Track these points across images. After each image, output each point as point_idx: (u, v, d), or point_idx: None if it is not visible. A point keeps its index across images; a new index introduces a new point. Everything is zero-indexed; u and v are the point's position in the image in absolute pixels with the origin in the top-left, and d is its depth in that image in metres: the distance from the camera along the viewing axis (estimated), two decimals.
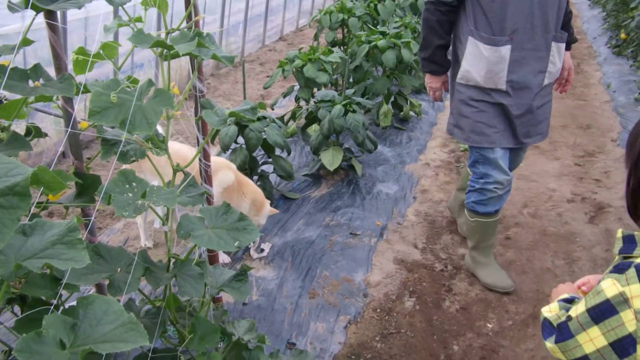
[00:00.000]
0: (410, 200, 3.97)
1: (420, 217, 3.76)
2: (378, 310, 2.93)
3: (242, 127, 3.58)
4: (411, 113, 5.38)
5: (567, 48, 2.93)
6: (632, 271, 1.17)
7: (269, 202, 3.33)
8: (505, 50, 2.69)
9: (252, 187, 3.27)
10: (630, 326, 1.15)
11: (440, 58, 2.94)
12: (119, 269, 1.70)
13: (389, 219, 3.71)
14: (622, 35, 7.81)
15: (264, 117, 3.68)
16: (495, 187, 2.92)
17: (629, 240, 1.23)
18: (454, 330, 2.77)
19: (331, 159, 3.96)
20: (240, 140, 3.61)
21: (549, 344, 1.31)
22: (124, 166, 2.84)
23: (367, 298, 3.01)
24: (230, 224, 1.83)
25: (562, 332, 1.27)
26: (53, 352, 1.04)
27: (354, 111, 3.97)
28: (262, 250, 3.33)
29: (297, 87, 4.83)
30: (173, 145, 3.09)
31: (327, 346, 2.67)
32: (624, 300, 1.16)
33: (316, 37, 6.11)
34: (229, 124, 3.56)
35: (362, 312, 2.91)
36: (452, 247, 3.43)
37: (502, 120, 2.83)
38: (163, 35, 1.60)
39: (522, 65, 2.72)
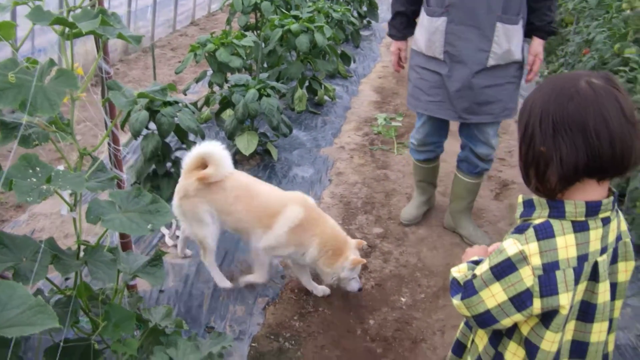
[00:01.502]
0: (326, 183, 4.03)
1: (336, 199, 3.82)
2: (296, 290, 2.97)
3: (153, 113, 3.50)
4: (326, 97, 5.44)
5: (542, 37, 2.95)
6: (530, 231, 1.25)
7: (354, 252, 2.71)
8: (441, 21, 2.85)
9: (326, 228, 2.72)
10: (528, 281, 1.23)
11: (399, 24, 3.13)
12: (24, 258, 1.64)
13: None
14: None
15: (176, 102, 3.61)
16: (415, 142, 3.32)
17: (528, 205, 1.32)
18: (369, 306, 2.85)
19: (246, 143, 3.95)
20: (152, 126, 3.53)
21: (456, 301, 1.39)
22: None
23: (284, 279, 3.04)
24: (143, 207, 1.80)
25: (468, 289, 1.35)
26: None
27: (268, 95, 3.98)
28: (177, 237, 3.28)
29: (209, 72, 4.77)
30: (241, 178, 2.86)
31: (246, 328, 2.68)
32: (523, 258, 1.24)
33: (229, 22, 6.05)
34: (140, 109, 3.48)
35: (280, 293, 2.94)
36: (367, 227, 3.52)
37: (441, 92, 2.97)
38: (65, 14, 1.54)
39: (461, 39, 2.83)
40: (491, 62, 2.86)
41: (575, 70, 1.20)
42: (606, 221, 1.27)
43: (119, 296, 2.15)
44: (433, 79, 2.99)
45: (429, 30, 2.92)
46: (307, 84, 5.30)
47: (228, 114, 4.39)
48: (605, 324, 1.34)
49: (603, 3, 3.77)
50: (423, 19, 2.98)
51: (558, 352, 1.32)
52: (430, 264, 3.18)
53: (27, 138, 1.68)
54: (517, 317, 1.29)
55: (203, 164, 2.78)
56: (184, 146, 3.78)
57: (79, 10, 1.55)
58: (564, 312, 1.24)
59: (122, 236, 2.41)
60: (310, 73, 5.41)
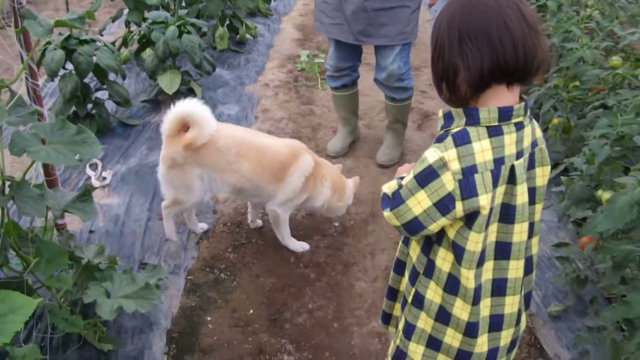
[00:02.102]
0: (252, 120, 4.03)
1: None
2: (228, 224, 3.01)
3: (69, 52, 3.37)
4: (247, 36, 5.37)
5: None
6: (449, 139, 1.32)
7: (346, 179, 2.88)
8: None
9: (329, 167, 2.82)
10: (450, 186, 1.31)
11: None
12: None
13: None
14: None
15: (93, 40, 3.49)
16: (329, 68, 3.44)
17: (447, 117, 1.39)
18: (302, 235, 2.93)
19: (169, 82, 3.88)
20: (70, 66, 3.41)
21: (386, 212, 1.45)
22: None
23: (216, 214, 3.07)
24: (68, 138, 1.78)
25: (395, 199, 1.42)
26: None
27: (188, 32, 3.89)
28: (104, 178, 3.23)
29: (126, 11, 4.60)
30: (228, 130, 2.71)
31: (180, 262, 2.72)
32: (443, 164, 1.31)
33: None
34: (55, 49, 3.33)
35: (213, 227, 2.98)
36: None
37: (340, 14, 3.07)
38: None
39: None
40: None
41: None
42: (519, 126, 1.35)
43: (49, 234, 2.13)
44: (333, 1, 3.10)
45: None
46: (227, 22, 5.20)
47: (148, 53, 4.27)
48: (526, 225, 1.42)
49: None
50: None
51: (483, 253, 1.41)
52: (358, 193, 3.26)
53: None
54: (443, 221, 1.36)
55: (185, 126, 2.56)
56: (105, 86, 3.68)
57: None
58: (484, 212, 1.33)
59: (48, 174, 2.36)
60: (231, 11, 5.30)
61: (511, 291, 1.46)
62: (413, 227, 1.41)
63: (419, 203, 1.36)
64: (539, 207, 1.47)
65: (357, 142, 3.78)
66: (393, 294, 1.74)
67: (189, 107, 2.53)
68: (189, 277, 2.66)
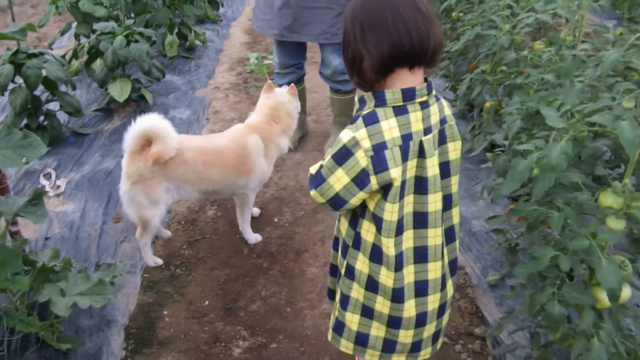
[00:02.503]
0: (204, 122, 4.14)
1: None
2: (182, 222, 3.11)
3: (18, 66, 3.43)
4: (197, 42, 5.46)
5: None
6: (359, 120, 1.46)
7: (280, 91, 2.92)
8: None
9: (262, 118, 2.85)
10: (363, 162, 1.45)
11: None
12: None
13: None
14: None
15: (41, 53, 3.55)
16: (275, 65, 3.60)
17: (361, 101, 1.53)
18: (254, 228, 3.04)
19: (120, 90, 3.96)
20: (19, 80, 3.47)
21: (312, 192, 1.60)
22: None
23: (170, 213, 3.17)
24: (15, 143, 1.87)
25: (318, 178, 1.56)
26: None
27: (136, 41, 3.98)
28: (59, 187, 3.30)
29: (74, 25, 4.66)
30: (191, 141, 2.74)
31: (136, 261, 2.81)
32: (355, 143, 1.45)
33: None
34: (3, 63, 3.40)
35: (167, 226, 3.07)
36: None
37: (269, 10, 3.23)
38: None
39: None
40: None
41: None
42: (425, 105, 1.49)
43: (1, 240, 2.20)
44: None
45: None
46: (176, 29, 5.29)
47: (98, 63, 4.34)
48: (439, 195, 1.57)
49: None
50: None
51: (402, 223, 1.55)
52: (308, 185, 3.40)
53: None
54: (361, 194, 1.50)
55: (147, 141, 2.56)
56: (55, 98, 3.74)
57: None
58: (396, 184, 1.47)
59: None
60: (179, 19, 5.39)
61: (432, 258, 1.60)
62: (336, 202, 1.54)
63: (339, 180, 1.50)
64: (454, 179, 1.61)
65: (306, 136, 3.91)
66: (334, 270, 1.87)
67: (150, 122, 2.53)
68: (145, 275, 2.75)
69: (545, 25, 2.93)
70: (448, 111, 1.59)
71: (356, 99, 1.56)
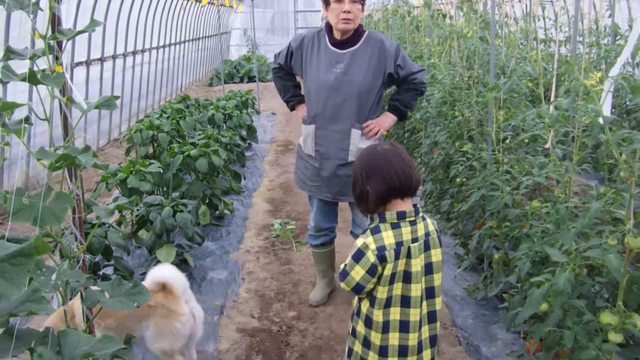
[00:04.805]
0: (240, 282, 4.58)
1: (251, 293, 4.38)
2: None
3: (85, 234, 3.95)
4: (225, 211, 6.07)
5: (396, 114, 3.76)
6: (368, 232, 2.17)
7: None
8: (311, 128, 3.70)
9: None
10: (372, 259, 2.11)
11: (292, 98, 3.98)
12: None
13: (226, 299, 4.28)
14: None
15: (103, 223, 4.09)
16: (311, 228, 4.05)
17: (371, 219, 2.24)
18: None
19: (166, 255, 4.45)
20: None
21: (342, 284, 2.22)
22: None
23: None
24: (127, 291, 2.32)
25: (343, 274, 2.18)
26: None
27: (181, 211, 4.55)
28: None
29: (120, 199, 5.26)
30: None
31: None
32: (366, 246, 2.13)
33: (128, 152, 6.63)
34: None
35: None
36: (282, 312, 4.09)
37: (318, 179, 3.77)
38: None
39: (326, 141, 3.67)
40: (350, 158, 3.66)
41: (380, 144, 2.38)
42: (413, 223, 2.19)
43: None
44: (311, 169, 3.81)
45: (304, 134, 3.81)
46: (207, 200, 5.92)
47: (144, 232, 4.89)
48: (420, 285, 2.19)
49: (441, 112, 4.84)
50: (301, 126, 3.84)
51: (390, 300, 2.18)
52: (341, 333, 3.78)
53: None
54: (373, 280, 2.14)
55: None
56: (111, 262, 4.22)
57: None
58: (387, 273, 2.13)
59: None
60: (210, 191, 6.04)
61: (413, 329, 2.22)
62: (357, 288, 2.18)
63: (357, 273, 2.14)
64: (437, 276, 2.27)
65: (335, 291, 4.34)
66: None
67: (165, 271, 3.21)
68: None
69: (539, 187, 3.51)
70: (432, 227, 2.27)
71: (367, 218, 2.29)
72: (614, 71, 2.25)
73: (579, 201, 2.54)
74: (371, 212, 2.22)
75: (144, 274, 4.55)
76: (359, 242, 2.15)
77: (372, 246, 2.11)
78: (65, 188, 2.49)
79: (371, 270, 2.11)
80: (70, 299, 2.31)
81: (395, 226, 2.16)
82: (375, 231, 2.15)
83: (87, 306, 2.17)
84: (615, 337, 1.98)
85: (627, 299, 2.09)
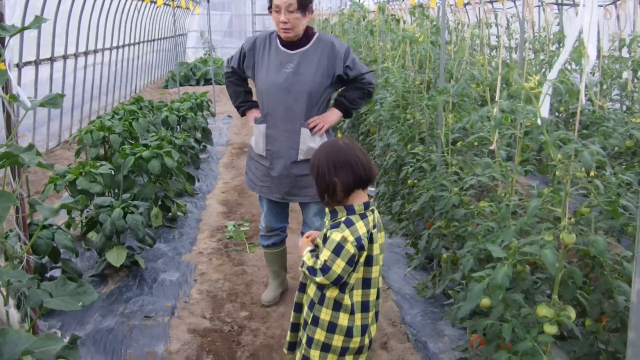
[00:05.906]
0: (192, 283, 4.56)
1: (203, 294, 4.36)
2: None
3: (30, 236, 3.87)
4: (178, 213, 6.02)
5: (342, 111, 3.79)
6: (342, 225, 2.23)
7: None
8: (262, 127, 3.72)
9: None
10: (352, 250, 2.20)
11: (243, 104, 3.95)
12: None
13: (177, 300, 4.25)
14: None
15: (50, 225, 4.02)
16: (262, 228, 4.06)
17: (333, 213, 2.34)
18: None
19: (116, 256, 4.40)
20: None
21: (319, 278, 2.25)
22: None
23: None
24: (71, 290, 2.29)
25: (325, 270, 2.23)
26: None
27: (132, 212, 4.50)
28: None
29: (68, 199, 5.17)
30: None
31: None
32: (345, 239, 2.20)
33: (78, 154, 6.51)
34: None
35: None
36: (234, 313, 4.09)
37: (268, 179, 3.78)
38: None
39: (277, 140, 3.69)
40: (301, 157, 3.69)
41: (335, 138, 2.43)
42: (372, 212, 2.32)
43: None
44: (262, 168, 3.82)
45: (255, 134, 3.81)
46: (160, 202, 5.87)
47: (93, 234, 4.81)
48: (379, 267, 2.35)
49: (394, 115, 4.92)
50: (252, 125, 3.83)
51: (354, 285, 2.31)
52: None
53: None
54: (351, 269, 2.25)
55: None
56: (59, 265, 4.14)
57: None
58: (361, 260, 2.26)
59: None
60: (162, 193, 5.99)
61: (371, 308, 2.37)
62: (337, 280, 2.25)
63: (339, 266, 2.22)
64: (381, 255, 2.40)
65: (287, 291, 4.36)
66: (295, 327, 2.57)
67: None
68: None
69: (487, 188, 3.61)
70: (377, 215, 2.40)
71: (327, 210, 2.37)
72: (552, 74, 2.34)
73: (519, 200, 2.63)
74: (339, 204, 2.31)
75: (94, 276, 4.50)
76: (336, 236, 2.23)
77: (351, 238, 2.21)
78: (8, 188, 2.45)
79: (351, 261, 2.22)
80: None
81: (363, 216, 2.29)
82: (349, 224, 2.25)
83: (30, 306, 2.13)
84: (551, 329, 2.06)
85: (562, 293, 2.18)
